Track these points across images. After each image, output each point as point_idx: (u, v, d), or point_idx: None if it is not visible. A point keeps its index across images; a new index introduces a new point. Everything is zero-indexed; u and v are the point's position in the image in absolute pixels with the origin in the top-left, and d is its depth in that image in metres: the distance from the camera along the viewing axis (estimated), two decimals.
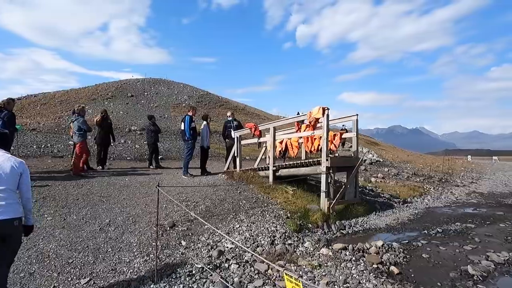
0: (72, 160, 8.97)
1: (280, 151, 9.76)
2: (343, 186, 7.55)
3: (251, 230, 5.74)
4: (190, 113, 9.25)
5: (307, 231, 6.41)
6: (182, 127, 9.09)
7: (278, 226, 6.13)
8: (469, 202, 11.34)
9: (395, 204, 9.53)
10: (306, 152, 9.43)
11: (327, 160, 7.13)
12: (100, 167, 9.95)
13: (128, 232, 5.24)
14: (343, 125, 9.75)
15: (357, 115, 8.21)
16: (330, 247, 5.19)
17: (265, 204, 7.24)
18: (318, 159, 7.51)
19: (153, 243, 4.95)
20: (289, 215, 6.82)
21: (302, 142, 9.41)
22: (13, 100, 8.11)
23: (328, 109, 7.21)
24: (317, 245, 5.31)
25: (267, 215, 6.64)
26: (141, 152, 13.81)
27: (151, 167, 10.94)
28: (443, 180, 15.81)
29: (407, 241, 6.10)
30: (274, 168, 8.41)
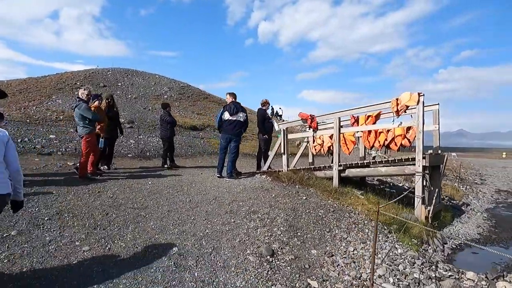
0: (80, 160, 6.86)
1: (329, 147, 8.26)
2: (437, 190, 6.23)
3: (376, 255, 4.19)
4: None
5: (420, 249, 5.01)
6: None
7: (397, 245, 4.65)
8: None
9: (463, 208, 8.46)
10: (365, 148, 8.04)
11: (423, 158, 5.76)
12: (106, 167, 7.84)
13: (220, 268, 3.48)
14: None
15: (438, 104, 6.94)
16: (505, 278, 3.79)
17: (347, 214, 5.72)
18: (407, 157, 6.13)
19: (272, 286, 3.26)
20: (386, 228, 5.38)
21: (360, 137, 8.00)
22: None
23: (423, 95, 5.83)
24: (484, 276, 3.89)
25: (366, 230, 5.13)
26: (140, 148, 11.64)
27: (165, 166, 8.95)
28: (458, 178, 15.25)
29: None
30: (340, 168, 6.88)
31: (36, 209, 4.51)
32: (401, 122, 6.21)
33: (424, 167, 5.79)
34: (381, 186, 8.90)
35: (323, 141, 8.28)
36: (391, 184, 9.75)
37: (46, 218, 4.23)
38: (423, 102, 5.82)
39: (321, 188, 6.81)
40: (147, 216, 4.76)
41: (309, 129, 7.59)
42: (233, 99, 7.63)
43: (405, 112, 6.17)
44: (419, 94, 5.80)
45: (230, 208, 5.39)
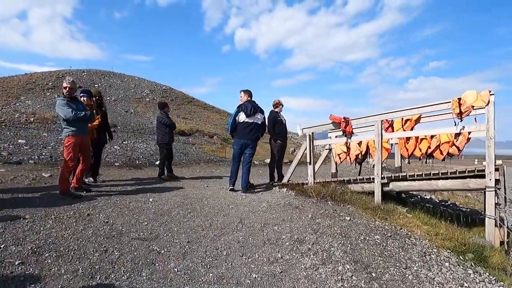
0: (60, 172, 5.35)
1: (357, 155, 7.16)
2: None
3: None
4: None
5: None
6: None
7: (496, 286, 3.55)
8: None
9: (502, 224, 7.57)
10: (402, 157, 6.98)
11: (496, 170, 4.74)
12: (92, 179, 6.36)
13: None
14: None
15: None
16: None
17: (408, 240, 4.59)
18: (473, 168, 5.11)
19: None
20: (462, 258, 4.29)
21: (395, 144, 6.96)
22: None
23: (493, 94, 4.85)
24: None
25: (446, 263, 4.01)
26: (128, 155, 10.12)
27: (162, 177, 7.53)
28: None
29: None
30: (384, 181, 5.77)
31: (2, 246, 3.08)
32: (463, 127, 5.18)
33: (496, 181, 4.78)
34: (411, 199, 7.90)
35: (349, 148, 7.17)
36: (419, 197, 8.80)
37: (17, 262, 2.83)
38: (494, 102, 4.83)
39: (360, 205, 5.67)
40: (162, 251, 3.42)
41: (343, 134, 6.46)
42: (249, 97, 6.40)
43: (468, 114, 5.15)
44: (489, 92, 4.81)
45: (266, 235, 4.13)
